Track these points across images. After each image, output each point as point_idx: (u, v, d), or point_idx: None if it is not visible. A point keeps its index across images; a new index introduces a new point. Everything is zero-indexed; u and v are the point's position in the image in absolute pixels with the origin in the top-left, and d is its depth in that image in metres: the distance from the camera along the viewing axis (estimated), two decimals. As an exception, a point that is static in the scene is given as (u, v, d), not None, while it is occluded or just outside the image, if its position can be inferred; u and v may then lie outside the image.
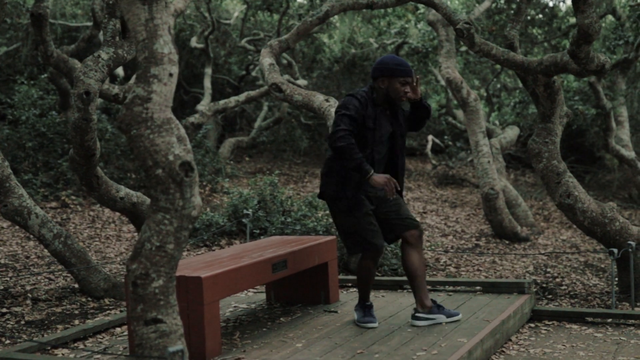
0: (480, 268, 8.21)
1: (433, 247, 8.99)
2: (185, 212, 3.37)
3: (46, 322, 5.80)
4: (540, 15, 14.02)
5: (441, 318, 4.91)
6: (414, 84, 4.91)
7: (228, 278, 4.50)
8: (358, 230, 4.85)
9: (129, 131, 3.39)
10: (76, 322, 5.78)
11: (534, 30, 14.81)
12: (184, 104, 18.18)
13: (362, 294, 5.03)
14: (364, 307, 5.01)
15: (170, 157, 3.33)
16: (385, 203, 4.96)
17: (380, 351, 4.32)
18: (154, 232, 3.37)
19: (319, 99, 6.76)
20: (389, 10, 16.13)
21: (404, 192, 5.07)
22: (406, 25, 15.79)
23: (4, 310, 6.07)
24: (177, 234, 3.38)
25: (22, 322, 5.77)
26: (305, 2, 16.13)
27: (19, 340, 5.21)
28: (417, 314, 4.91)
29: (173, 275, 3.41)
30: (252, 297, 6.09)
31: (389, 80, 4.90)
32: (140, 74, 3.41)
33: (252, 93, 14.30)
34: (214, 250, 8.50)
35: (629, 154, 12.87)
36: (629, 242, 6.10)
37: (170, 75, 3.43)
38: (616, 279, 6.71)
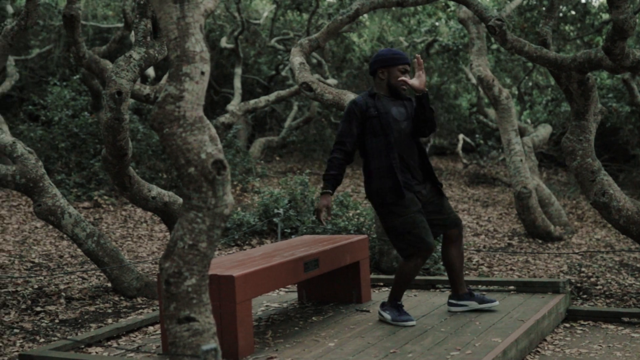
0: (513, 268, 8.12)
1: (465, 247, 8.91)
2: (218, 210, 3.36)
3: (80, 320, 5.83)
4: (573, 12, 13.85)
5: (472, 304, 5.14)
6: (420, 69, 4.95)
7: (260, 277, 4.49)
8: (412, 230, 4.83)
9: (161, 130, 3.39)
10: (109, 320, 5.81)
11: (567, 27, 14.64)
12: (214, 104, 18.26)
13: (397, 293, 4.99)
14: (397, 306, 4.97)
15: (203, 155, 3.32)
16: (429, 202, 5.01)
17: (413, 351, 4.29)
18: (186, 231, 3.37)
19: (349, 97, 6.73)
20: (419, 8, 16.06)
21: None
22: (436, 24, 15.70)
23: (39, 309, 6.12)
24: (210, 232, 3.37)
25: (56, 321, 5.81)
26: (334, 1, 16.10)
27: (53, 338, 5.26)
28: (450, 300, 5.20)
29: (206, 273, 3.40)
30: (284, 297, 6.08)
31: (388, 70, 5.04)
32: (172, 73, 3.41)
33: (282, 92, 14.30)
34: (245, 249, 8.51)
35: (664, 151, 12.68)
36: (666, 241, 5.99)
37: (202, 73, 3.43)
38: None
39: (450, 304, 5.21)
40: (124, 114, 5.87)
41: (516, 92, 16.36)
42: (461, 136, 17.48)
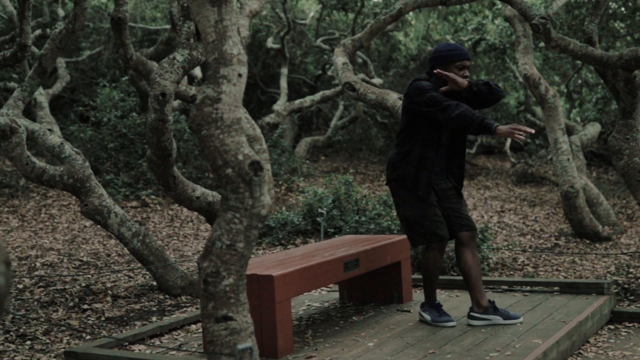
0: (559, 268, 8.02)
1: (511, 247, 8.84)
2: (255, 211, 3.40)
3: (125, 318, 5.94)
4: (622, 9, 13.61)
5: (497, 319, 4.83)
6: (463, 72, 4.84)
7: (299, 277, 4.52)
8: (422, 221, 4.82)
9: (199, 131, 3.44)
10: (154, 318, 5.90)
11: (616, 24, 14.40)
12: (261, 104, 18.38)
13: (429, 292, 4.98)
14: (436, 307, 4.96)
15: (240, 157, 3.36)
16: (447, 199, 4.94)
17: (452, 351, 4.27)
18: (224, 231, 3.41)
19: (392, 97, 6.73)
20: (466, 6, 15.95)
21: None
22: (483, 22, 15.58)
23: (85, 306, 6.24)
24: (247, 232, 3.41)
25: (103, 319, 5.92)
26: (380, 0, 16.08)
27: (99, 336, 5.36)
28: (472, 313, 4.88)
29: (243, 273, 3.44)
30: (325, 296, 6.11)
31: (446, 67, 4.90)
32: (210, 75, 3.46)
33: (327, 92, 14.34)
34: (288, 249, 8.56)
35: None
36: None
37: (240, 75, 3.47)
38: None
39: (472, 317, 4.86)
40: (167, 115, 5.96)
41: (565, 90, 16.14)
42: (509, 135, 17.29)
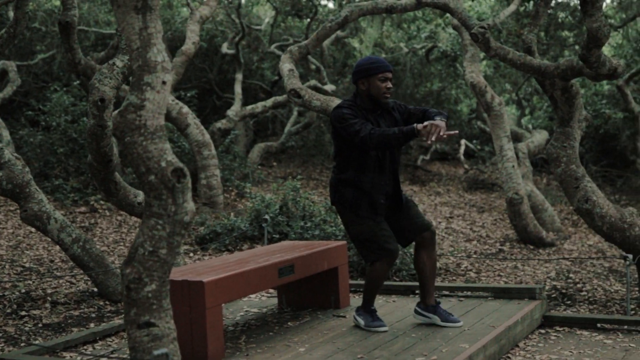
0: (502, 273, 8.15)
1: (455, 253, 8.95)
2: (178, 217, 3.42)
3: (62, 325, 5.91)
4: (570, 18, 13.88)
5: (435, 319, 4.99)
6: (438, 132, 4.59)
7: (231, 282, 4.55)
8: (372, 237, 4.87)
9: (122, 138, 3.46)
10: (92, 325, 5.88)
11: (564, 34, 14.66)
12: (216, 109, 18.34)
13: (369, 299, 5.05)
14: (370, 312, 5.02)
15: (163, 164, 3.38)
16: (393, 212, 5.00)
17: (380, 356, 4.33)
18: (147, 237, 3.43)
19: (337, 103, 6.78)
20: (419, 14, 16.12)
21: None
22: (435, 30, 15.75)
23: (23, 313, 6.19)
24: (170, 239, 3.44)
25: (40, 325, 5.89)
26: (334, 7, 16.18)
27: (33, 342, 5.33)
28: (416, 307, 5.10)
29: (166, 279, 3.46)
30: (264, 302, 6.14)
31: (368, 80, 4.92)
32: (134, 82, 3.48)
33: (279, 98, 14.38)
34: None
35: (660, 158, 12.68)
36: (647, 247, 6.02)
37: (164, 83, 3.49)
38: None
39: (416, 312, 5.11)
40: (107, 121, 5.94)
41: (515, 98, 16.38)
42: (463, 141, 17.50)
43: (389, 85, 4.93)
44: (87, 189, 11.54)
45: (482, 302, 5.74)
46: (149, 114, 3.45)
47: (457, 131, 4.63)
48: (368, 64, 4.96)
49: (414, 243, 5.12)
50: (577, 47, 14.89)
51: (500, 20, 10.90)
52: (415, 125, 4.60)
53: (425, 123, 4.57)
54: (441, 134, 4.53)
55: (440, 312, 5.01)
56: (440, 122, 4.57)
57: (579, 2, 5.51)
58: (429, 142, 4.54)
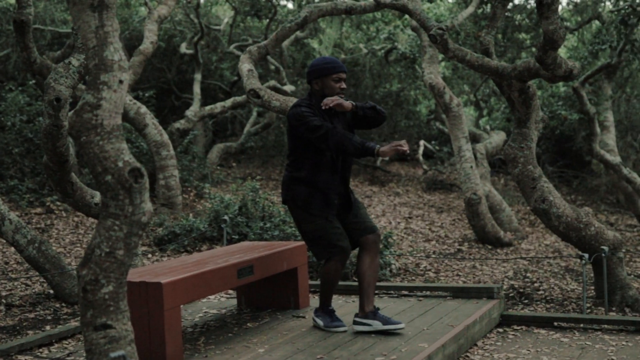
0: (460, 273, 8.21)
1: (414, 252, 9.00)
2: (135, 218, 3.38)
3: (18, 327, 5.81)
4: (527, 20, 14.04)
5: (376, 324, 4.83)
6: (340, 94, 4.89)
7: (190, 284, 4.51)
8: (324, 235, 4.87)
9: (79, 138, 3.41)
10: (47, 327, 5.79)
11: (521, 36, 14.83)
12: (175, 110, 18.20)
13: (325, 299, 5.04)
14: (329, 312, 5.02)
15: (120, 164, 3.34)
16: (344, 210, 5.00)
17: (340, 356, 4.34)
18: (103, 238, 3.39)
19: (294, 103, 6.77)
20: (378, 15, 16.16)
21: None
22: (394, 31, 15.82)
23: (-23, 316, 6.08)
24: (127, 240, 3.40)
25: (-6, 328, 5.78)
26: (293, 7, 16.16)
27: (-13, 346, 5.22)
28: (355, 318, 4.94)
29: (123, 281, 3.42)
30: (224, 303, 6.10)
31: (322, 80, 4.95)
32: (90, 81, 3.43)
33: (238, 98, 14.32)
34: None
35: (614, 159, 12.85)
36: (602, 247, 6.12)
37: (121, 82, 3.45)
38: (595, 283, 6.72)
39: (355, 322, 4.92)
40: (63, 120, 5.86)
41: (473, 99, 16.52)
42: (422, 142, 17.59)
43: (343, 85, 4.97)
44: (43, 190, 11.37)
45: (441, 301, 5.77)
46: (106, 113, 3.41)
47: (407, 147, 4.66)
48: (322, 64, 4.99)
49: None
50: (533, 49, 15.07)
51: (458, 22, 10.98)
52: (377, 147, 4.62)
53: (385, 148, 4.61)
54: (401, 149, 4.57)
55: (380, 317, 4.88)
56: (399, 142, 4.61)
57: (535, 4, 5.58)
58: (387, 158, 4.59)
